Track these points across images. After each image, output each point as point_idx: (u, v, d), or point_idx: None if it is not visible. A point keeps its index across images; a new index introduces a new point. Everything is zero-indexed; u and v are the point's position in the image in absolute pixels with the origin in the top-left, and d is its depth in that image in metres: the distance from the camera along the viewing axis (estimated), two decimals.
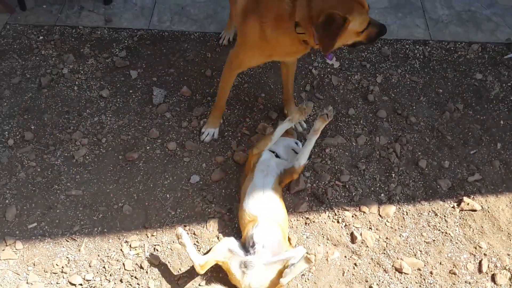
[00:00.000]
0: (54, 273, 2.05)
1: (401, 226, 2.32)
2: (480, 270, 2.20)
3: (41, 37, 3.05)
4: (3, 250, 2.11)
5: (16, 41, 3.01)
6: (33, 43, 3.00)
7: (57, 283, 2.02)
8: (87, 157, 2.43)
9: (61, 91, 2.74)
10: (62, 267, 2.06)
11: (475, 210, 2.37)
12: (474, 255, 2.24)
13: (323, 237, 2.24)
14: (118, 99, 2.72)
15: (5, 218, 2.20)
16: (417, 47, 3.11)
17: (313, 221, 2.28)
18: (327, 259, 2.17)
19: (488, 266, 2.20)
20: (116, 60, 2.92)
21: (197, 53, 3.00)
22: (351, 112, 2.72)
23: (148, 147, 2.49)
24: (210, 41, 3.09)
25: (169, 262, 2.11)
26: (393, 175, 2.48)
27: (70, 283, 2.02)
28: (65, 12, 3.19)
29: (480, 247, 2.27)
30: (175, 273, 2.08)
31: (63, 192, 2.30)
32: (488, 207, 2.40)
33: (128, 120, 2.60)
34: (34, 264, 2.07)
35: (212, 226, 2.23)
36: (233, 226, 2.24)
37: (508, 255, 2.25)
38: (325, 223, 2.29)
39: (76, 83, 2.79)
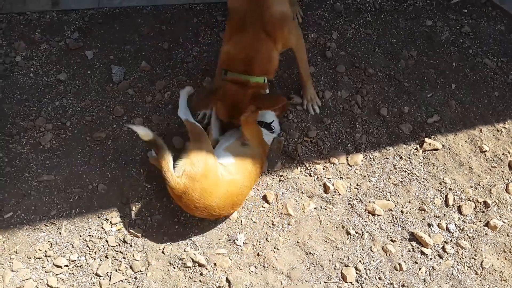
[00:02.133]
0: (38, 258, 2.05)
1: (370, 172, 2.43)
2: (447, 204, 2.35)
3: None
4: None
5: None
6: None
7: (42, 267, 2.03)
8: (54, 142, 2.41)
9: (17, 80, 2.67)
10: (45, 251, 2.06)
11: (437, 149, 2.51)
12: (440, 191, 2.39)
13: (298, 191, 2.33)
14: (77, 81, 2.68)
15: None
16: (368, 0, 3.17)
17: (287, 178, 2.36)
18: (303, 211, 2.26)
19: (454, 199, 2.35)
20: (70, 42, 2.85)
21: (152, 27, 2.97)
22: (311, 70, 2.78)
23: (114, 126, 2.49)
24: (164, 13, 3.04)
25: (151, 233, 2.14)
26: (357, 125, 2.58)
27: (56, 265, 2.03)
28: None
29: (444, 182, 2.41)
30: (159, 243, 2.12)
31: (35, 179, 2.28)
32: (449, 145, 2.54)
33: (90, 101, 2.58)
34: (16, 252, 2.06)
35: None
36: None
37: (471, 187, 2.40)
38: (298, 178, 2.37)
39: (32, 69, 2.72)
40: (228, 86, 2.11)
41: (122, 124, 2.49)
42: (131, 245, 2.11)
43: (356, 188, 2.36)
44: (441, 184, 2.41)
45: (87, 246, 2.09)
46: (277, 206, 2.28)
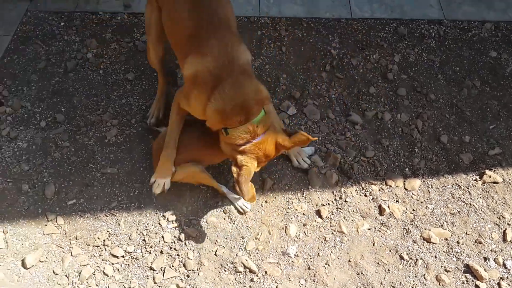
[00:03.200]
0: (96, 246, 2.11)
1: (427, 199, 2.39)
2: (504, 239, 2.28)
3: (62, 23, 3.08)
4: (46, 225, 2.17)
5: (38, 27, 3.05)
6: (55, 29, 3.04)
7: (100, 255, 2.08)
8: (119, 137, 2.49)
9: (87, 75, 2.79)
10: (104, 240, 2.12)
11: (497, 182, 2.45)
12: (498, 225, 2.32)
13: (352, 209, 2.31)
14: (143, 81, 2.77)
15: (45, 195, 2.26)
16: (432, 26, 3.16)
17: (342, 195, 2.35)
18: (357, 230, 2.24)
19: None
20: (139, 44, 2.96)
21: None
22: (372, 90, 2.78)
23: None
24: None
25: (206, 234, 2.17)
26: (416, 150, 2.55)
27: (113, 255, 2.08)
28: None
29: (503, 217, 2.34)
30: (213, 245, 2.14)
31: (99, 170, 2.35)
32: (509, 179, 2.47)
33: None
34: (76, 238, 2.13)
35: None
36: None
37: None
38: (353, 196, 2.36)
39: (101, 67, 2.84)
40: (249, 147, 1.90)
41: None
42: (185, 244, 2.14)
43: (412, 213, 2.32)
44: (499, 218, 2.34)
45: (144, 240, 2.14)
46: (330, 223, 2.27)
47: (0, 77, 2.75)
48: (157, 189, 2.18)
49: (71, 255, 2.07)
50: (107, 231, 2.15)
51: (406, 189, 2.41)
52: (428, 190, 2.42)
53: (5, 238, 2.13)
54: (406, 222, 2.29)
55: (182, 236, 2.15)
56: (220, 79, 1.84)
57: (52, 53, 2.89)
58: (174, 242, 2.14)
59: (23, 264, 2.05)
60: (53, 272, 2.05)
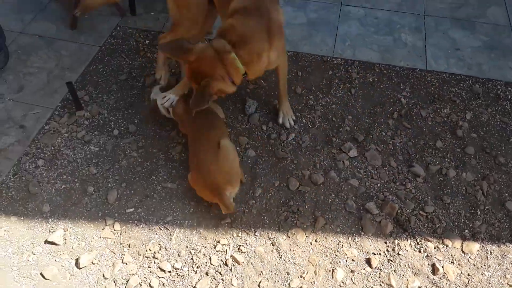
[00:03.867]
0: (146, 257, 2.18)
1: (484, 265, 2.28)
2: None
3: (147, 41, 3.28)
4: (103, 229, 2.27)
5: (125, 42, 3.26)
6: (140, 46, 3.24)
7: (148, 266, 2.15)
8: (183, 155, 2.58)
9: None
10: (154, 252, 2.19)
11: None
12: None
13: (404, 264, 2.24)
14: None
15: (107, 200, 2.38)
16: (509, 89, 3.07)
17: (395, 247, 2.29)
18: (407, 286, 2.16)
19: None
20: None
21: (289, 71, 3.11)
22: (439, 144, 2.72)
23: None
24: (302, 60, 3.20)
25: (252, 264, 2.18)
26: (479, 212, 2.45)
27: (160, 268, 2.14)
28: (170, 20, 3.42)
29: None
30: (257, 275, 2.15)
31: (160, 184, 2.45)
32: None
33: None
34: (129, 246, 2.21)
35: (295, 234, 2.29)
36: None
37: None
38: (406, 250, 2.29)
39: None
40: (207, 50, 2.07)
41: (244, 154, 2.61)
42: (231, 269, 2.16)
43: (466, 277, 2.22)
44: None
45: (192, 259, 2.18)
46: (379, 274, 2.21)
47: (84, 83, 2.96)
48: (162, 101, 2.49)
49: (122, 262, 2.15)
50: (159, 244, 2.22)
51: (463, 252, 2.31)
52: (487, 256, 2.30)
53: (64, 235, 2.25)
54: (459, 286, 2.18)
55: (229, 261, 2.18)
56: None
57: (134, 67, 3.08)
58: (220, 266, 2.16)
59: (77, 264, 2.15)
60: (103, 276, 2.13)
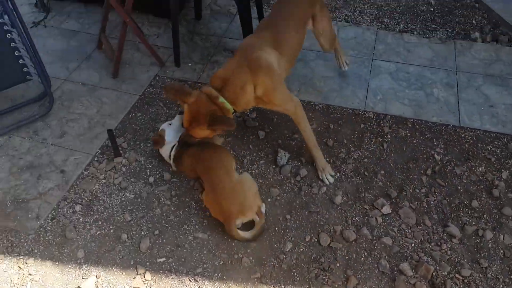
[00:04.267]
0: None
1: None
2: None
3: None
4: (134, 278, 2.29)
5: (163, 91, 3.39)
6: None
7: None
8: None
9: None
10: None
11: None
12: None
13: None
14: (247, 156, 2.92)
15: (139, 248, 2.41)
16: None
17: None
18: None
19: None
20: (247, 120, 3.16)
21: (320, 123, 3.16)
22: (474, 204, 2.67)
23: (268, 205, 2.62)
24: (334, 113, 3.24)
25: None
26: None
27: None
28: (207, 71, 3.55)
29: None
30: None
31: (192, 233, 2.47)
32: None
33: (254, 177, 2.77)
34: None
35: None
36: None
37: None
38: None
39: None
40: (200, 95, 2.32)
41: (275, 205, 2.61)
42: None
43: None
44: None
45: None
46: None
47: (123, 130, 3.07)
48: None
49: None
50: None
51: None
52: None
53: (96, 283, 2.28)
54: None
55: None
56: None
57: (171, 115, 3.18)
58: None
59: None
60: None
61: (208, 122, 2.27)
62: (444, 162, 2.90)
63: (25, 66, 3.04)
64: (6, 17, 2.95)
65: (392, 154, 2.95)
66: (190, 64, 3.64)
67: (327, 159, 2.90)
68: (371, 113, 3.23)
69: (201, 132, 2.39)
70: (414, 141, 3.03)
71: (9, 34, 2.94)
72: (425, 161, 2.90)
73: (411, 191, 2.73)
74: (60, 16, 4.16)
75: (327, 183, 2.75)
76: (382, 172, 2.85)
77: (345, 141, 3.04)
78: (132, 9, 3.37)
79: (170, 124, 2.78)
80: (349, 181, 2.78)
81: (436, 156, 2.93)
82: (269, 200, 2.65)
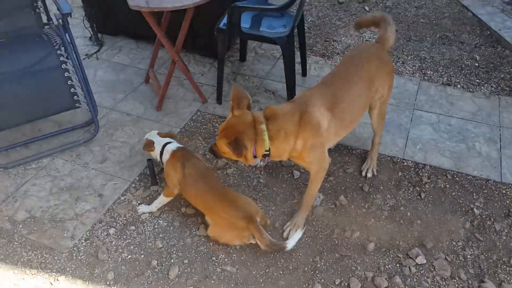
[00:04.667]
0: None
1: None
2: None
3: None
4: None
5: (203, 126, 3.49)
6: (216, 131, 3.44)
7: None
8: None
9: (230, 174, 3.04)
10: None
11: None
12: None
13: None
14: (280, 194, 2.92)
15: (168, 275, 2.41)
16: None
17: None
18: None
19: None
20: (294, 173, 3.15)
21: (357, 168, 3.15)
22: None
23: (295, 246, 2.59)
24: None
25: None
26: None
27: None
28: None
29: None
30: None
31: (220, 266, 2.46)
32: None
33: (290, 212, 2.76)
34: None
35: None
36: None
37: None
38: None
39: (245, 171, 3.08)
40: (248, 114, 2.32)
41: (307, 246, 2.58)
42: None
43: None
44: None
45: None
46: None
47: None
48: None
49: None
50: None
51: None
52: None
53: None
54: None
55: None
56: None
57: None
58: None
59: None
60: None
61: (232, 139, 2.20)
62: (484, 216, 2.81)
63: (75, 94, 3.22)
64: (63, 48, 3.16)
65: (430, 205, 2.88)
66: (231, 102, 3.73)
67: (362, 204, 2.86)
68: (409, 161, 3.19)
69: (223, 147, 2.34)
70: (453, 193, 2.96)
71: (64, 64, 3.15)
72: (464, 214, 2.82)
73: (447, 243, 2.64)
74: (112, 50, 4.41)
75: (285, 236, 2.65)
76: (419, 221, 2.78)
77: (381, 187, 3.00)
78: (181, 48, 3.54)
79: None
80: (384, 228, 2.73)
81: (475, 210, 2.85)
82: (300, 241, 2.61)
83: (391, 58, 2.74)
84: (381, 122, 2.92)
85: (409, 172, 3.11)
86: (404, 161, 3.18)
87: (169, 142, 2.79)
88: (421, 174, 3.09)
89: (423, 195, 2.94)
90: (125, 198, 2.88)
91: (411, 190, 2.98)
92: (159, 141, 2.81)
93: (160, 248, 2.57)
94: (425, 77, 4.04)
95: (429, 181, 3.04)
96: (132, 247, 2.58)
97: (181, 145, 2.82)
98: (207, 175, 2.61)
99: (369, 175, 3.04)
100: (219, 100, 3.71)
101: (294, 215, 2.73)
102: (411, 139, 3.37)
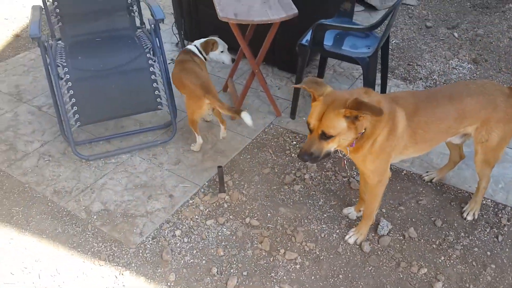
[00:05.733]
0: None
1: None
2: None
3: (294, 142, 3.48)
4: None
5: (274, 139, 3.51)
6: (286, 145, 3.45)
7: None
8: (306, 261, 2.56)
9: (296, 191, 3.03)
10: None
11: None
12: None
13: None
14: (346, 221, 2.86)
15: (227, 285, 2.44)
16: None
17: None
18: None
19: None
20: (352, 182, 3.12)
21: (431, 200, 3.00)
22: None
23: (362, 277, 2.51)
24: (447, 193, 3.06)
25: None
26: None
27: None
28: None
29: None
30: None
31: (278, 283, 2.45)
32: None
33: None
34: None
35: None
36: None
37: None
38: None
39: (311, 189, 3.05)
40: (341, 92, 2.15)
41: (371, 277, 2.50)
42: None
43: None
44: None
45: None
46: None
47: (231, 169, 3.21)
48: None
49: None
50: None
51: None
52: None
53: None
54: None
55: None
56: None
57: (277, 163, 3.26)
58: None
59: None
60: None
61: (350, 104, 1.93)
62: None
63: (159, 96, 3.37)
64: (152, 52, 3.33)
65: (507, 250, 2.68)
66: (304, 118, 3.74)
67: (433, 240, 2.73)
68: (489, 200, 3.00)
69: (336, 123, 1.99)
70: None
71: (152, 67, 3.31)
72: None
73: None
74: None
75: (347, 239, 2.69)
76: (493, 266, 2.59)
77: (455, 224, 2.84)
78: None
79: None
80: (454, 268, 2.57)
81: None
82: (364, 269, 2.53)
83: None
84: (486, 169, 2.68)
85: (488, 211, 2.92)
86: (483, 199, 2.98)
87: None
88: (500, 215, 2.89)
89: (500, 237, 2.74)
90: (193, 202, 2.96)
91: (487, 231, 2.79)
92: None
93: (221, 256, 2.61)
94: None
95: (509, 223, 2.84)
96: (195, 251, 2.64)
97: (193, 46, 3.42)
98: (189, 65, 3.24)
99: (469, 218, 2.87)
100: (293, 115, 3.72)
101: (359, 224, 2.72)
102: (493, 176, 3.15)
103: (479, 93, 2.43)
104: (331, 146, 2.07)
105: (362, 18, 5.35)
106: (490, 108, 2.43)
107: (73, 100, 3.17)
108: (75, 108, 3.18)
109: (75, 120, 3.21)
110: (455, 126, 2.45)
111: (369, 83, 3.38)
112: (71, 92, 3.15)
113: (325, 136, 2.02)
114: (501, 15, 5.50)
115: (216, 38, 3.48)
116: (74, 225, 2.81)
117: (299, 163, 3.26)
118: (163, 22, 3.32)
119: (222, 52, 3.51)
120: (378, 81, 3.88)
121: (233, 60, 3.59)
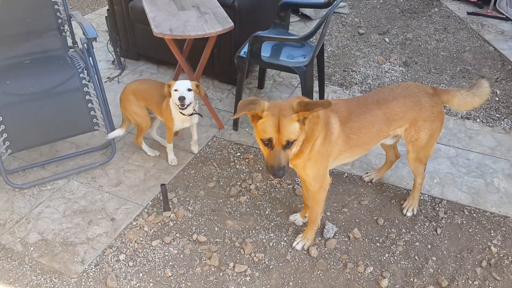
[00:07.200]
0: None
1: None
2: None
3: (238, 154, 3.49)
4: None
5: (218, 152, 3.50)
6: (231, 157, 3.45)
7: None
8: (256, 272, 2.56)
9: (242, 202, 3.03)
10: None
11: None
12: None
13: None
14: (293, 225, 2.88)
15: None
16: None
17: None
18: None
19: None
20: (297, 188, 3.16)
21: (372, 200, 3.10)
22: None
23: (311, 281, 2.54)
24: (386, 191, 3.17)
25: None
26: None
27: None
28: None
29: None
30: None
31: None
32: None
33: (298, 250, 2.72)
34: None
35: None
36: None
37: None
38: None
39: (258, 199, 3.06)
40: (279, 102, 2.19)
41: (317, 280, 2.52)
42: None
43: None
44: None
45: None
46: None
47: (175, 185, 3.16)
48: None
49: None
50: None
51: None
52: None
53: None
54: None
55: None
56: None
57: (222, 176, 3.25)
58: None
59: None
60: None
61: (300, 107, 1.98)
62: (501, 255, 2.72)
63: (95, 117, 3.27)
64: (85, 72, 3.24)
65: (446, 241, 2.81)
66: (247, 129, 3.76)
67: (377, 238, 2.80)
68: (426, 196, 3.13)
69: (292, 128, 2.03)
70: (470, 230, 2.88)
71: (85, 87, 3.22)
72: (481, 252, 2.73)
73: (463, 281, 2.56)
74: (133, 74, 4.50)
75: (295, 246, 2.72)
76: (434, 258, 2.70)
77: (396, 221, 2.94)
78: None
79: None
80: (398, 264, 2.66)
81: (492, 248, 2.76)
82: (312, 274, 2.56)
83: (440, 108, 2.62)
84: (419, 167, 2.78)
85: (426, 206, 3.05)
86: (420, 194, 3.11)
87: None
88: (437, 208, 3.02)
89: (439, 230, 2.87)
90: (136, 223, 2.88)
91: (427, 225, 2.91)
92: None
93: (169, 276, 2.55)
94: (444, 110, 3.98)
95: (446, 216, 2.97)
96: (141, 274, 2.56)
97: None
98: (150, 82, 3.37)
99: (409, 214, 2.98)
100: (235, 126, 3.73)
101: (304, 230, 2.75)
102: (428, 172, 3.31)
103: (404, 96, 2.54)
104: (292, 152, 2.16)
105: (297, 28, 5.48)
106: (416, 109, 2.55)
107: (2, 126, 3.01)
108: (5, 135, 3.02)
109: (5, 148, 3.05)
110: (385, 129, 2.55)
111: (307, 90, 3.45)
112: (0, 118, 2.99)
113: (289, 144, 2.06)
114: (428, 19, 5.82)
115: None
116: (10, 259, 2.65)
117: (244, 174, 3.27)
118: (96, 41, 3.23)
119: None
120: (316, 88, 3.97)
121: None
